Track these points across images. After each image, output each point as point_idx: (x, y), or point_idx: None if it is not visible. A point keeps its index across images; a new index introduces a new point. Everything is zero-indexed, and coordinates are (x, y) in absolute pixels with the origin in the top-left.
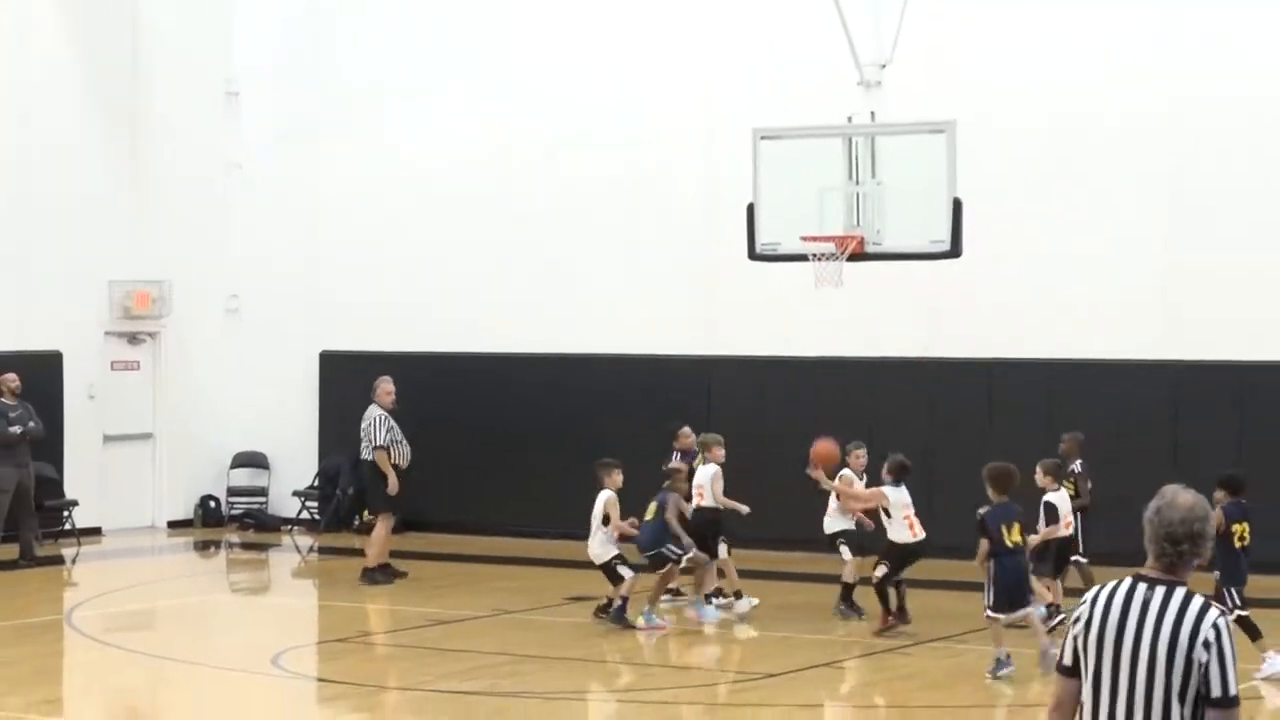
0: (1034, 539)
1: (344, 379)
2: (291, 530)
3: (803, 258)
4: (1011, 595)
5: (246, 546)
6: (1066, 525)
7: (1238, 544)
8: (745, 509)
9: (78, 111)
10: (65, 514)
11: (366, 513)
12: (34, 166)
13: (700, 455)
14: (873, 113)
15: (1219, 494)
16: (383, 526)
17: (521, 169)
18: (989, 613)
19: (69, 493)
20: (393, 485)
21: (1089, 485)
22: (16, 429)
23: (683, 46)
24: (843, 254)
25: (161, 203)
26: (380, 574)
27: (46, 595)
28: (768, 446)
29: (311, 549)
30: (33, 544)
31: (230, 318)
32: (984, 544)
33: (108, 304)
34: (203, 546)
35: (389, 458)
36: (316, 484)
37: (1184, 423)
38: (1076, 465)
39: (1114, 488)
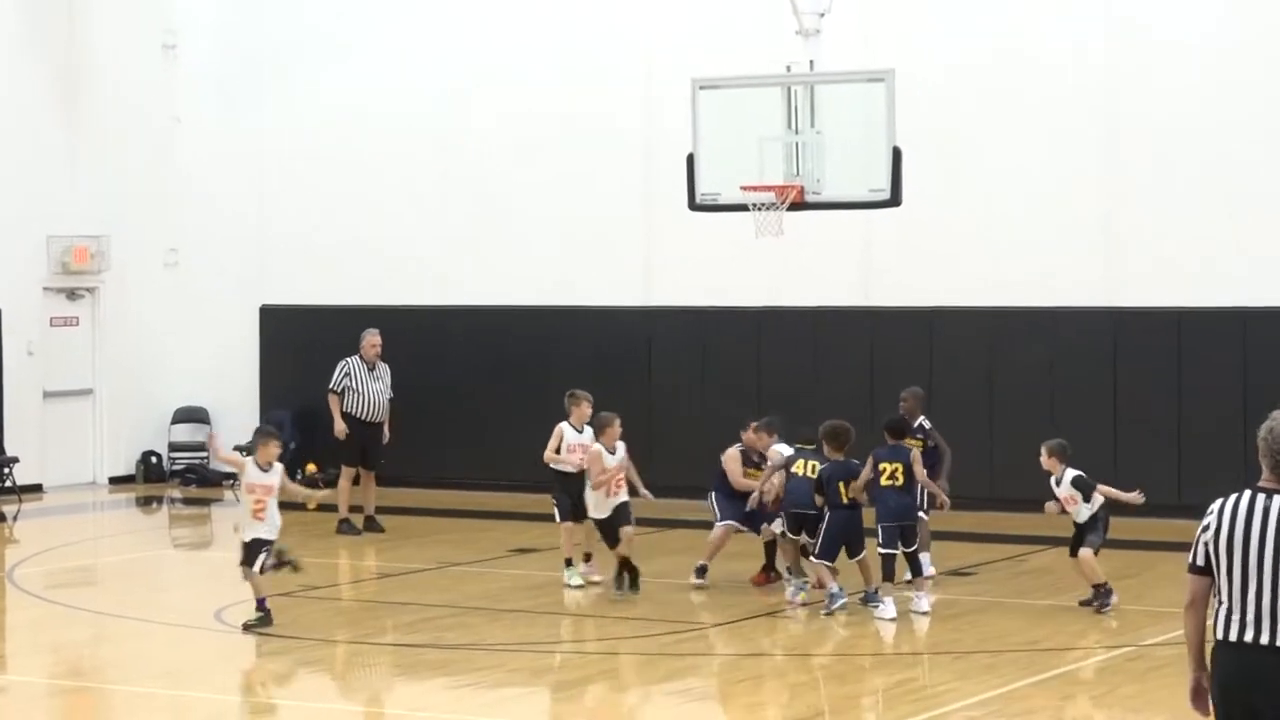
0: (1107, 491)
1: (285, 333)
2: (234, 485)
3: (743, 207)
4: (840, 545)
5: (188, 502)
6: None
7: (884, 481)
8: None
9: (13, 64)
10: (5, 471)
11: (310, 467)
12: None
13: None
14: (811, 62)
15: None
16: (341, 478)
17: (462, 120)
18: (814, 558)
19: (9, 449)
20: (336, 429)
21: (938, 441)
22: None
23: None
24: (783, 204)
25: (100, 157)
26: (345, 525)
27: None
28: (706, 398)
29: None
30: None
31: (170, 272)
32: (817, 500)
33: (46, 259)
34: (144, 502)
35: (339, 403)
36: None
37: (1123, 368)
38: (924, 422)
39: (1054, 434)
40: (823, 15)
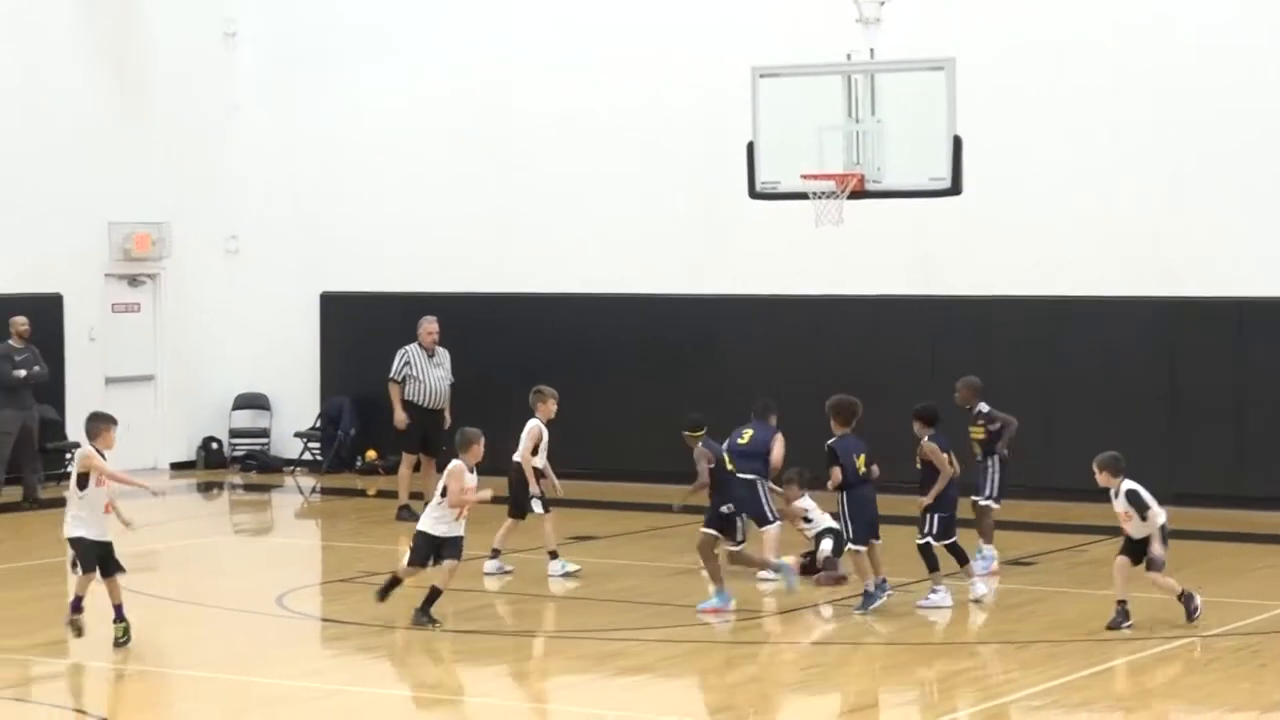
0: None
1: (345, 319)
2: (294, 471)
3: (803, 196)
4: (870, 526)
5: (249, 488)
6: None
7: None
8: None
9: (74, 53)
10: (68, 456)
11: (370, 453)
12: (32, 109)
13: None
14: (872, 50)
15: (917, 426)
16: (402, 464)
17: (520, 106)
18: (851, 546)
19: (71, 435)
20: (397, 419)
21: (998, 426)
22: (21, 372)
23: None
24: (843, 192)
25: (161, 144)
26: (404, 511)
27: (50, 537)
28: (765, 384)
29: (314, 490)
30: (36, 486)
31: (230, 259)
32: (835, 473)
33: (107, 246)
34: (205, 488)
35: (400, 392)
36: (318, 425)
37: (1181, 357)
38: (982, 407)
39: (1110, 425)
40: (883, 4)
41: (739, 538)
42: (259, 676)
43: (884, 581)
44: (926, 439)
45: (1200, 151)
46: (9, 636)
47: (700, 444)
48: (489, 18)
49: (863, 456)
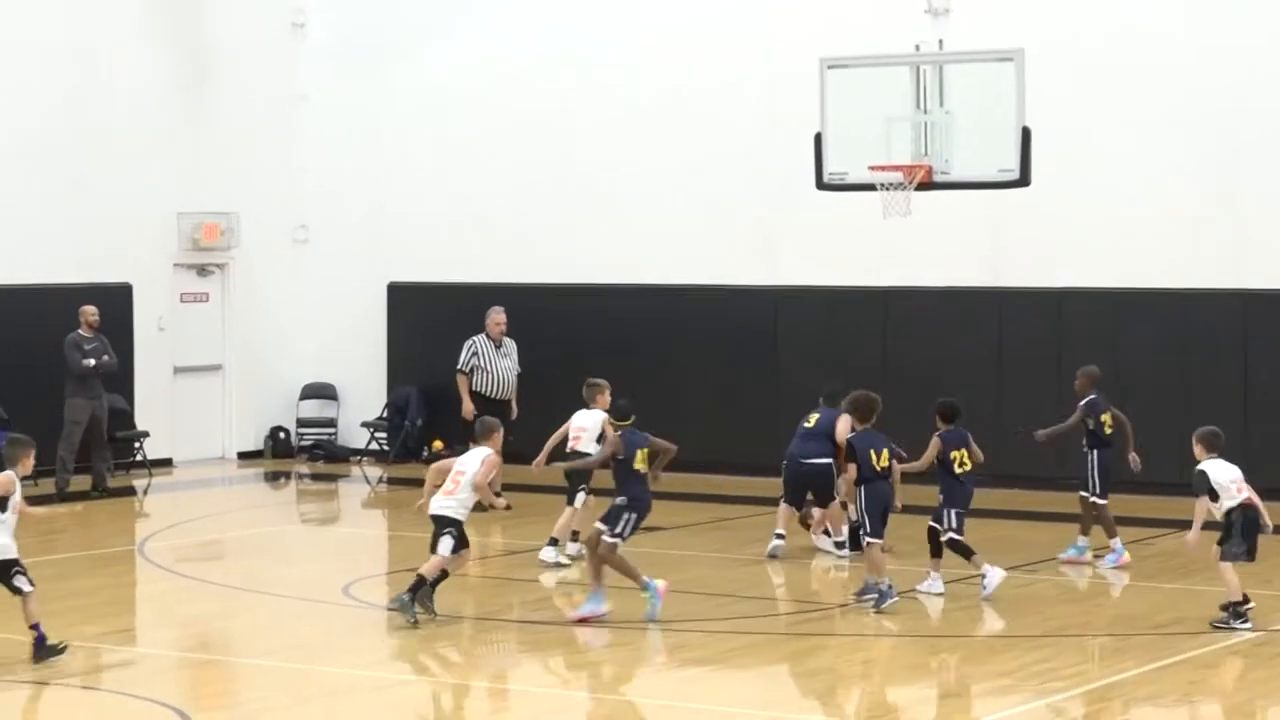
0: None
1: (412, 310)
2: (360, 461)
3: (870, 187)
4: (884, 519)
5: (316, 477)
6: (1239, 491)
7: (957, 469)
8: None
9: (143, 43)
10: (137, 445)
11: (437, 443)
12: (101, 100)
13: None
14: (940, 41)
15: (939, 423)
16: None
17: (586, 95)
18: (868, 540)
19: (140, 424)
20: (465, 410)
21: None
22: (90, 361)
23: None
24: (911, 183)
25: (229, 134)
26: None
27: (119, 526)
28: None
29: (380, 480)
30: (105, 475)
31: (298, 249)
32: (851, 468)
33: (176, 236)
34: (272, 477)
35: (468, 383)
36: (385, 415)
37: (1254, 349)
38: (1090, 398)
39: (1180, 418)
40: None
41: (620, 532)
42: (325, 665)
43: (890, 586)
44: (936, 435)
45: (1270, 139)
46: (78, 625)
47: (623, 434)
48: (556, 10)
49: (885, 451)
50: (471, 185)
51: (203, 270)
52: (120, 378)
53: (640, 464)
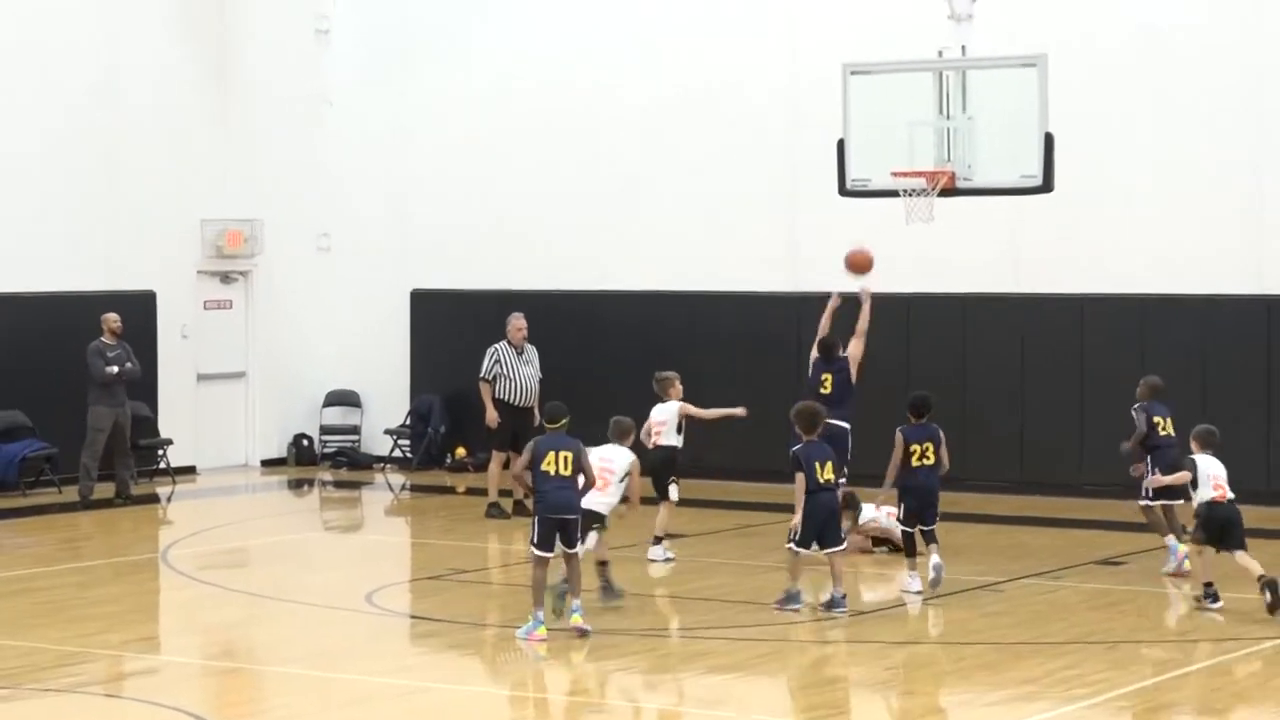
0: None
1: (435, 317)
2: (384, 468)
3: (893, 193)
4: (819, 532)
5: (339, 485)
6: (1215, 487)
7: (915, 463)
8: (740, 410)
9: (167, 49)
10: (160, 453)
11: (460, 450)
12: (125, 106)
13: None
14: (963, 46)
15: (910, 417)
16: (491, 462)
17: (606, 101)
18: (791, 546)
19: (164, 432)
20: (489, 418)
21: (1145, 426)
22: (113, 369)
23: None
24: (934, 189)
25: (253, 141)
26: (494, 509)
27: (142, 533)
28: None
29: (404, 487)
30: (129, 482)
31: (322, 256)
32: (800, 479)
33: (200, 243)
34: (296, 485)
35: (491, 391)
36: (408, 422)
37: (1277, 356)
38: (1140, 406)
39: (1209, 422)
40: (974, 0)
41: (531, 538)
42: (349, 673)
43: (844, 596)
44: (900, 429)
45: None
46: (102, 633)
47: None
48: (578, 12)
49: (829, 464)
50: (495, 191)
51: (226, 277)
52: (143, 385)
53: (547, 465)
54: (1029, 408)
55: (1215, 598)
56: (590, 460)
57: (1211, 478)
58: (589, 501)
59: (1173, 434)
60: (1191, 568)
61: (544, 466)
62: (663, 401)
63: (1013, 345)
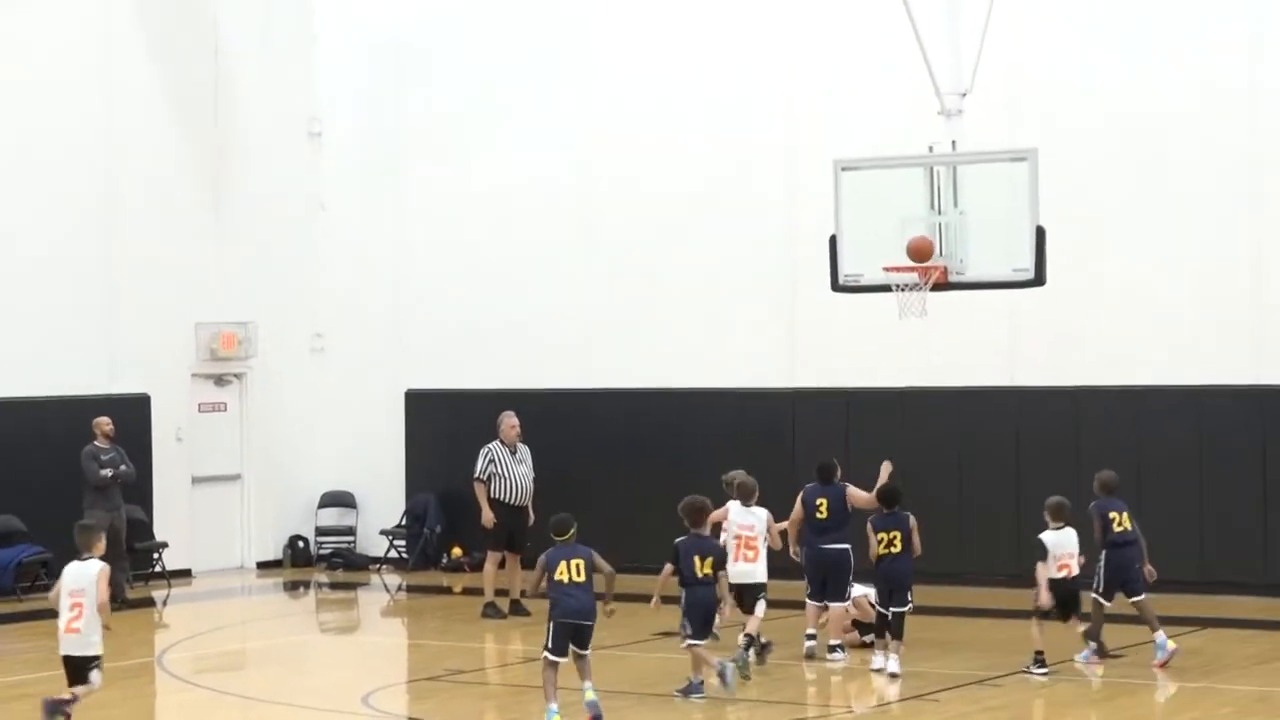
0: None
1: (429, 417)
2: (380, 569)
3: (886, 288)
4: (704, 623)
5: (335, 586)
6: (1061, 568)
7: (883, 550)
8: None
9: (161, 153)
10: (155, 556)
11: (456, 550)
12: (120, 211)
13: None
14: (954, 142)
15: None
16: (487, 562)
17: (602, 201)
18: (688, 642)
19: (159, 535)
20: (485, 519)
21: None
22: (108, 472)
23: (763, 77)
24: (926, 284)
25: (246, 244)
26: (490, 609)
27: (138, 637)
28: (852, 478)
29: (400, 588)
30: (124, 586)
31: (315, 357)
32: (668, 569)
33: (194, 346)
34: (292, 587)
35: (485, 491)
36: (404, 523)
37: (1273, 447)
38: (1096, 503)
39: (1200, 516)
40: (964, 95)
41: (545, 643)
42: None
43: (701, 683)
44: (870, 519)
45: None
46: None
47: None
48: (573, 111)
49: (710, 560)
50: (487, 290)
51: (220, 380)
52: (139, 488)
53: (560, 574)
54: (1025, 500)
55: (1043, 664)
56: (731, 525)
57: (1063, 555)
58: (744, 574)
59: (1129, 528)
60: (1032, 635)
61: (557, 576)
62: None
63: (1009, 438)
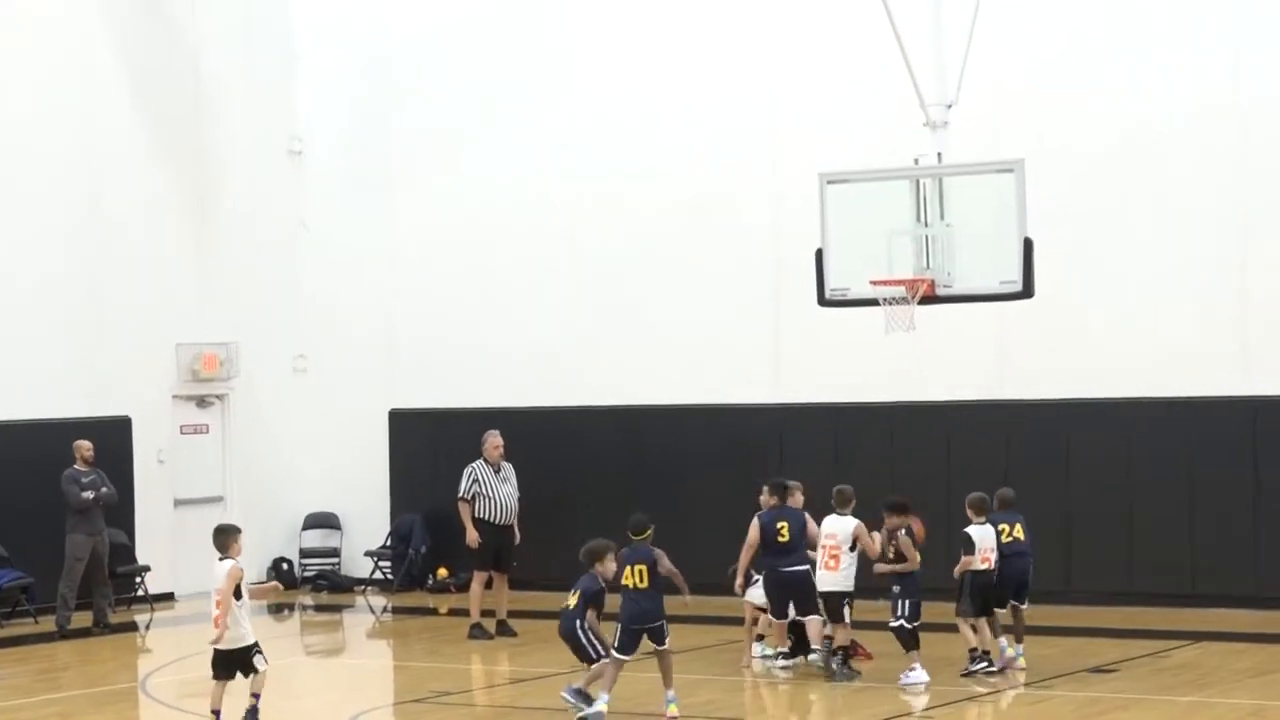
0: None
1: (414, 436)
2: (365, 591)
3: (873, 302)
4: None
5: (320, 608)
6: (984, 560)
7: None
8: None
9: (142, 173)
10: (138, 580)
11: (442, 571)
12: (100, 232)
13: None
14: (939, 154)
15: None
16: (473, 582)
17: (588, 217)
18: (615, 654)
19: (141, 558)
20: (469, 538)
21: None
22: (89, 494)
23: (748, 91)
24: (913, 297)
25: (228, 264)
26: (476, 629)
27: (121, 662)
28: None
29: (385, 609)
30: (106, 611)
31: (298, 378)
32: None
33: (175, 367)
34: (276, 609)
35: (470, 510)
36: (389, 543)
37: (1264, 458)
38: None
39: (1192, 528)
40: (950, 107)
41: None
42: None
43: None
44: (903, 532)
45: None
46: None
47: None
48: (557, 130)
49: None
50: (472, 308)
51: (202, 401)
52: (120, 511)
53: (626, 579)
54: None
55: (986, 659)
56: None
57: (984, 549)
58: (826, 582)
59: (1021, 538)
60: (964, 635)
61: (624, 580)
62: (837, 514)
63: (998, 452)
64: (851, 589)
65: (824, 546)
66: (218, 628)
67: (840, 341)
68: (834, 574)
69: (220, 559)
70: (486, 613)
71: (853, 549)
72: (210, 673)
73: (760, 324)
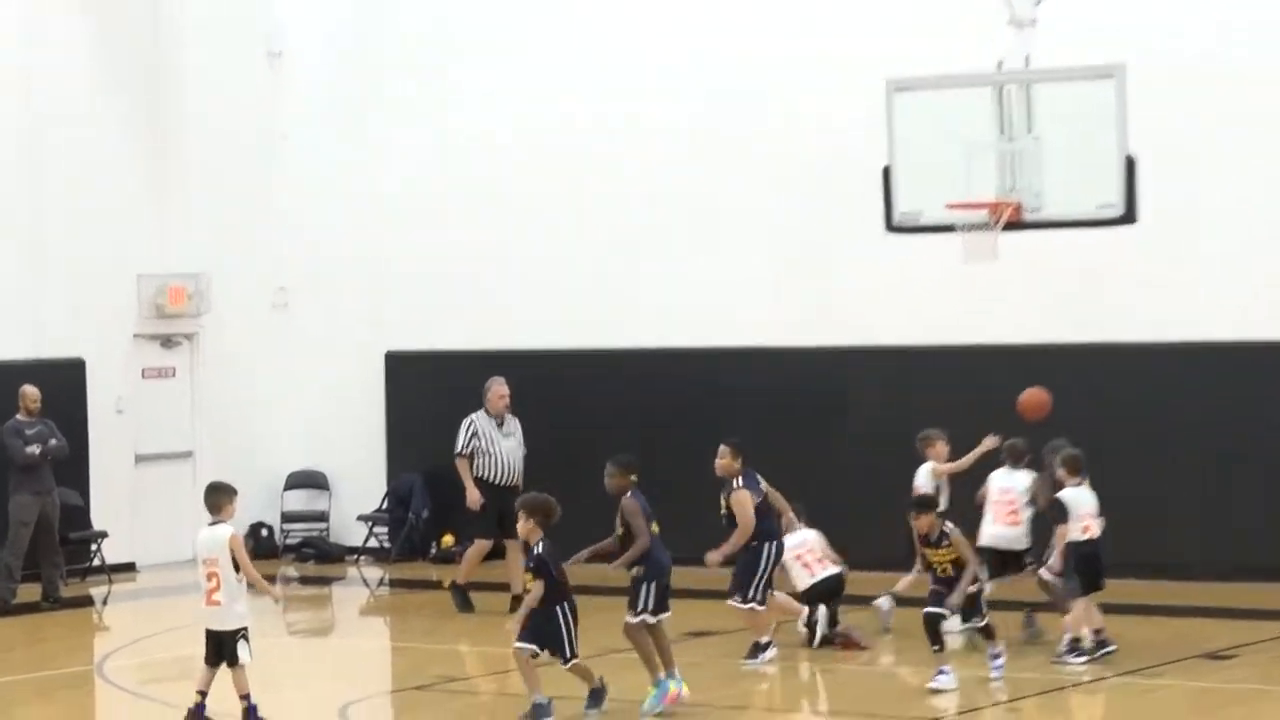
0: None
1: (414, 383)
2: (357, 560)
3: (949, 228)
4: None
5: (306, 581)
6: (1084, 529)
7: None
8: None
9: (96, 81)
10: (93, 547)
11: (446, 538)
12: (45, 148)
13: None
14: (1027, 57)
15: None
16: (472, 547)
17: (607, 132)
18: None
19: (97, 523)
20: (470, 499)
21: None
22: (35, 449)
23: None
24: (997, 222)
25: (197, 184)
26: (456, 593)
27: (74, 642)
28: (906, 449)
29: (381, 582)
30: (57, 583)
31: (278, 314)
32: (539, 586)
33: (136, 302)
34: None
35: (469, 468)
36: (385, 506)
37: None
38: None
39: None
40: (1039, 3)
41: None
42: None
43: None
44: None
45: None
46: None
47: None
48: (580, 31)
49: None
50: (480, 236)
51: (168, 341)
52: (73, 469)
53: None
54: (1105, 463)
55: (1106, 645)
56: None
57: (1083, 516)
58: (1004, 539)
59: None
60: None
61: (654, 528)
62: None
63: (1088, 398)
64: (1029, 546)
65: (996, 503)
66: (210, 604)
67: (909, 274)
68: (1014, 529)
69: (212, 523)
70: (499, 586)
71: (1031, 504)
72: (202, 654)
73: (808, 254)
